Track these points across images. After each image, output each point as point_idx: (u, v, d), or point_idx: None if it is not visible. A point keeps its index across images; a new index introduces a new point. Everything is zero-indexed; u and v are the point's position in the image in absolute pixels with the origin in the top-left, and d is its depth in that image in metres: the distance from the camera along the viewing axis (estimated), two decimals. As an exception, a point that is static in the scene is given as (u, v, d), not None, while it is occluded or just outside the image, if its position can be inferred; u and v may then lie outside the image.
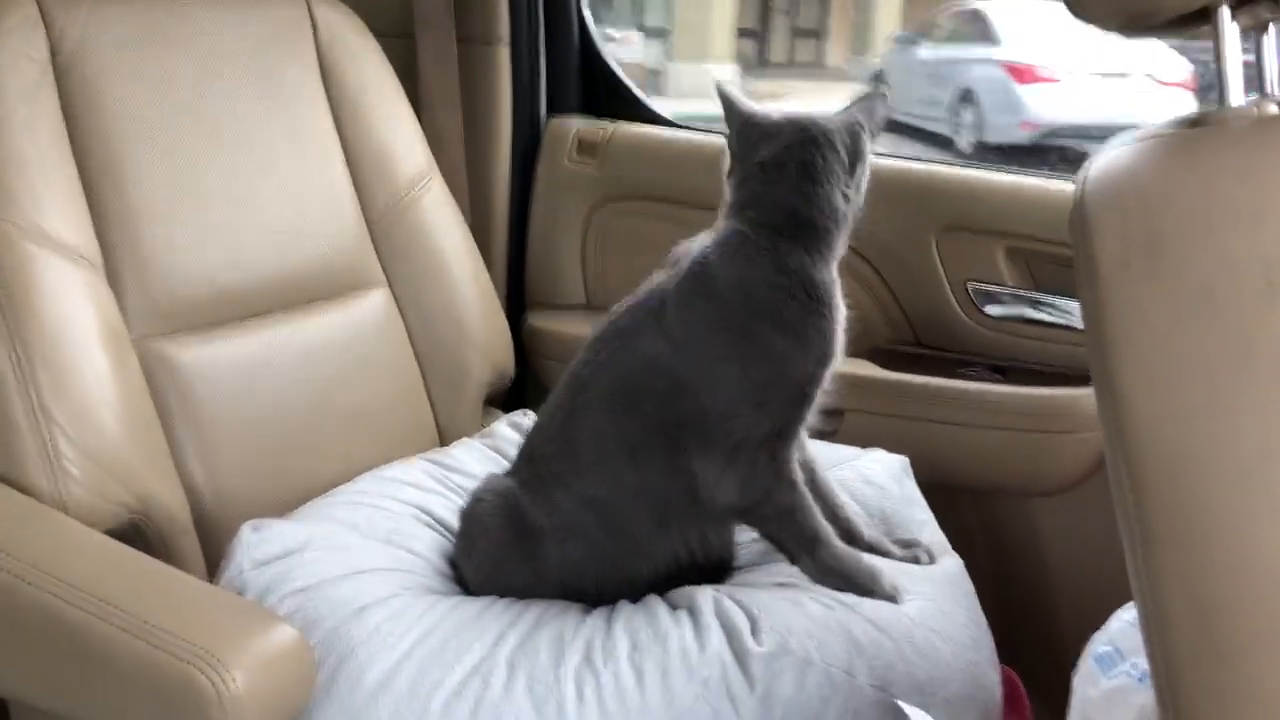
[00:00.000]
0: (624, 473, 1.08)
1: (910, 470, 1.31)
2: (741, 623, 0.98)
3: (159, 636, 0.88)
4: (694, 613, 1.01)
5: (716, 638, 0.97)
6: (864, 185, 1.10)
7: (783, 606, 1.01)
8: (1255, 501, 0.59)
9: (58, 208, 1.13)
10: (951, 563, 1.18)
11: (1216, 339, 0.61)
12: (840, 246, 1.09)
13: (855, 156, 1.08)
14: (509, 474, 1.17)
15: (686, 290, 1.08)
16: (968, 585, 1.15)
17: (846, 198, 1.08)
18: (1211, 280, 0.61)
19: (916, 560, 1.15)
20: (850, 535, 1.14)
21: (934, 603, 1.07)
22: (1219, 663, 0.60)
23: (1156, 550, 0.62)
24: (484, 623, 1.02)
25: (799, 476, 1.08)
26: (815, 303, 1.06)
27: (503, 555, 1.11)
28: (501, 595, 1.08)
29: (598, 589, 1.08)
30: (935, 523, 1.25)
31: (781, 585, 1.08)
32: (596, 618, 1.03)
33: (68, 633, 0.92)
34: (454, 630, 1.00)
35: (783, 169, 1.06)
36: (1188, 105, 5.35)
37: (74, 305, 1.11)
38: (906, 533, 1.21)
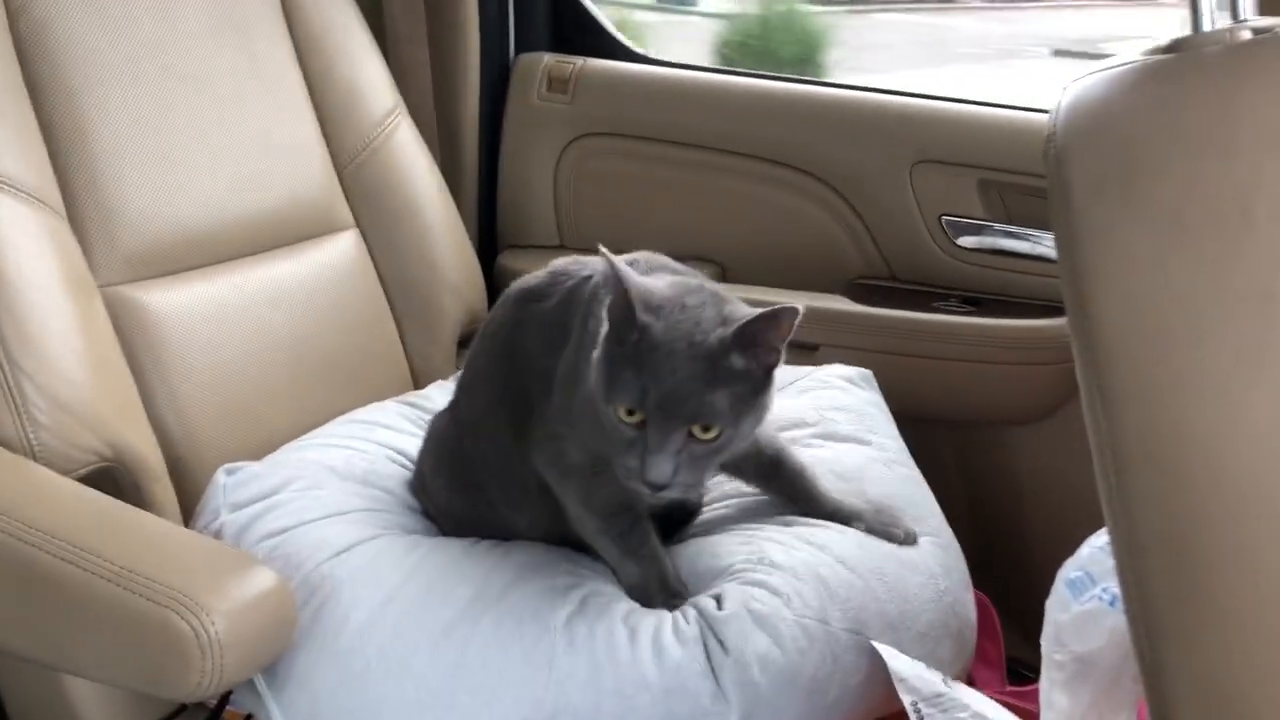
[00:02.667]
0: (493, 423, 1.06)
1: (874, 382, 1.31)
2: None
3: (137, 582, 0.88)
4: None
5: (693, 607, 0.96)
6: None
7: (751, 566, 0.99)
8: (1228, 424, 0.60)
9: (15, 151, 1.10)
10: (918, 492, 1.15)
11: (1190, 265, 0.61)
12: None
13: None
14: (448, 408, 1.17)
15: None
16: (934, 509, 1.14)
17: None
18: (1185, 208, 0.61)
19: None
20: (809, 496, 1.07)
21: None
22: (1192, 584, 0.61)
23: (1129, 475, 0.63)
24: (468, 565, 1.01)
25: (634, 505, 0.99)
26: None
27: (445, 492, 1.12)
28: (451, 533, 1.09)
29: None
30: (895, 428, 1.24)
31: (748, 535, 1.05)
32: (584, 567, 1.02)
33: (44, 580, 0.91)
34: (438, 572, 1.00)
35: None
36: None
37: (35, 250, 1.08)
38: (868, 429, 1.19)
